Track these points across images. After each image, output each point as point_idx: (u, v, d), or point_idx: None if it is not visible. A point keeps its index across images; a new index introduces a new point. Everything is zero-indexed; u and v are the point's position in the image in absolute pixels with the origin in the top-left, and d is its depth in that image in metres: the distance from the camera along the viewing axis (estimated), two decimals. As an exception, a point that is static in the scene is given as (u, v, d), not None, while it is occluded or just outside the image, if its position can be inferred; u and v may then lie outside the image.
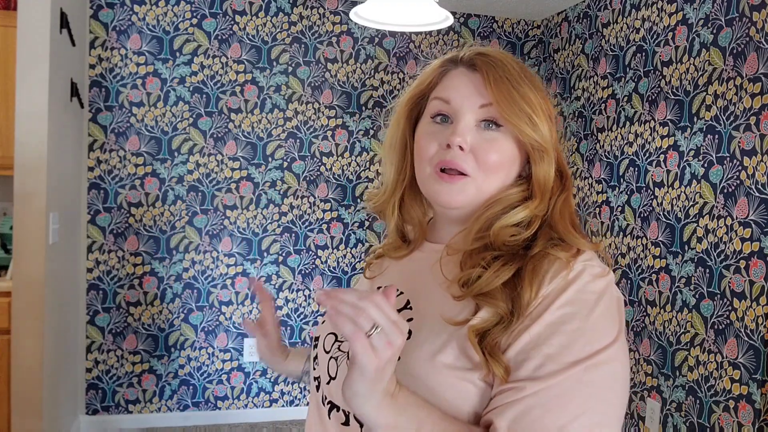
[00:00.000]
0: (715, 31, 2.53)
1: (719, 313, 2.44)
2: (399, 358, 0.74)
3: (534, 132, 0.81)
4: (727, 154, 2.43)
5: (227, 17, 3.45)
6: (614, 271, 3.10)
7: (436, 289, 0.83)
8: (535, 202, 0.83)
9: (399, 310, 0.84)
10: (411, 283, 0.88)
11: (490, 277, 0.76)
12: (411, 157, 0.90)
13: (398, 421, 0.68)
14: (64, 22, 2.72)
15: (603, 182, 3.21)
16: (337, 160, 3.62)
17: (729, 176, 2.42)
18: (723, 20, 2.49)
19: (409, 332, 0.78)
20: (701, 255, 2.55)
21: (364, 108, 3.64)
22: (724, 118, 2.46)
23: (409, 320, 0.82)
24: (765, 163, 2.26)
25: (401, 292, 0.86)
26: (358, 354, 0.62)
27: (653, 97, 2.87)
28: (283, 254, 3.56)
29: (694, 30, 2.65)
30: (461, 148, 0.81)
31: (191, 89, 3.41)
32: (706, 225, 2.53)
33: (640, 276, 2.91)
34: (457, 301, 0.79)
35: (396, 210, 0.93)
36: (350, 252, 3.65)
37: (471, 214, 0.86)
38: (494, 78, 0.82)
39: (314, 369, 0.91)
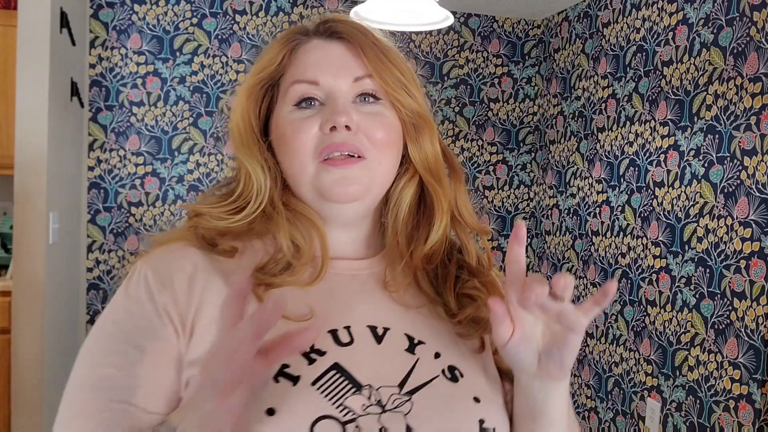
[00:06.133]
0: (715, 31, 2.53)
1: (719, 313, 2.44)
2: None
3: (413, 102, 0.73)
4: (728, 154, 2.43)
5: (227, 17, 3.45)
6: (614, 271, 3.10)
7: (413, 311, 0.74)
8: (439, 202, 0.75)
9: (412, 347, 0.70)
10: (373, 312, 0.72)
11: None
12: (269, 155, 0.74)
13: None
14: (64, 22, 2.72)
15: (603, 182, 3.20)
16: (337, 159, 3.62)
17: (729, 176, 2.42)
18: (723, 20, 2.49)
19: (457, 371, 0.70)
20: (701, 255, 2.55)
21: (364, 108, 3.64)
22: (725, 117, 2.46)
23: (438, 355, 0.71)
24: (765, 163, 2.26)
25: (379, 327, 0.71)
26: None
27: (653, 96, 2.87)
28: (283, 254, 3.56)
29: (694, 30, 2.64)
30: (348, 128, 0.69)
31: (191, 89, 3.41)
32: (707, 225, 2.53)
33: (640, 276, 2.91)
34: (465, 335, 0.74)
35: (284, 221, 0.72)
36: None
37: (361, 211, 0.74)
38: (365, 46, 0.71)
39: None
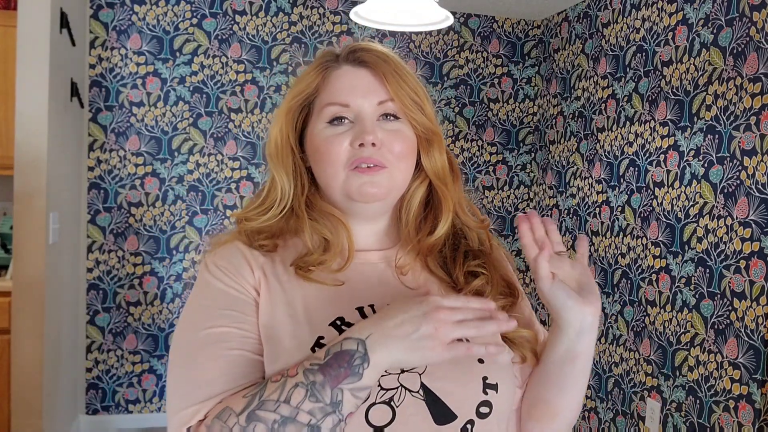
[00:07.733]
0: (715, 31, 2.53)
1: (719, 313, 2.44)
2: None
3: (426, 119, 0.88)
4: (727, 154, 2.43)
5: (227, 17, 3.45)
6: (614, 271, 3.10)
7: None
8: (447, 203, 0.90)
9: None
10: (392, 294, 0.87)
11: (494, 290, 0.88)
12: (301, 164, 0.89)
13: None
14: (64, 22, 2.72)
15: (603, 182, 3.21)
16: (337, 160, 3.61)
17: (729, 176, 2.42)
18: (723, 20, 2.49)
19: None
20: (701, 255, 2.55)
21: (364, 108, 3.64)
22: (724, 118, 2.46)
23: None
24: (765, 163, 2.26)
25: None
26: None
27: (653, 97, 2.87)
28: (283, 254, 3.56)
29: (694, 30, 2.64)
30: (374, 144, 0.83)
31: (191, 89, 3.41)
32: (706, 225, 2.53)
33: (640, 276, 2.91)
34: None
35: (307, 220, 0.88)
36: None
37: (382, 209, 0.90)
38: (387, 73, 0.86)
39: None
